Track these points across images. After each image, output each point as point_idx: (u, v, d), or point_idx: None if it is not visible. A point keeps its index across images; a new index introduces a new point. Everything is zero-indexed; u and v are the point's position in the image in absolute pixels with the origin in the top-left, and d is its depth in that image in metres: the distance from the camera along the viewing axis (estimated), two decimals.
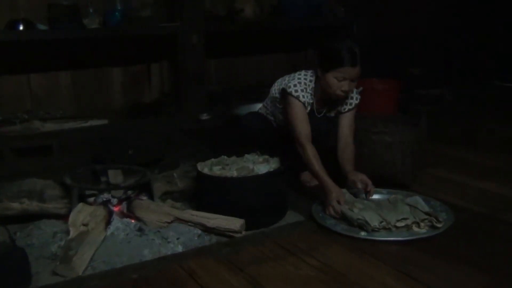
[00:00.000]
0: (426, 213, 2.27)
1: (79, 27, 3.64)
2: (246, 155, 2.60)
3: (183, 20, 3.93)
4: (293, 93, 2.54)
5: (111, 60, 4.10)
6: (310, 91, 2.59)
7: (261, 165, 2.48)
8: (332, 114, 2.72)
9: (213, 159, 2.56)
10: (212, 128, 3.79)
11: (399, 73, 4.59)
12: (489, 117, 4.30)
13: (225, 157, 2.59)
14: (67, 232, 2.11)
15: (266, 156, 2.57)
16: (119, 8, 3.80)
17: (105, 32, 3.79)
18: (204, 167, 2.48)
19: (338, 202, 2.35)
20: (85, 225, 2.11)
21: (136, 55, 4.20)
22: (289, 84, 2.56)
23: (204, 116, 3.97)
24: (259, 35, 4.56)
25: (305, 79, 2.59)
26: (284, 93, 2.60)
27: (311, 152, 2.49)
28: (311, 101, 2.60)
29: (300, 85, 2.56)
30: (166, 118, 3.97)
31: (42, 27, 3.59)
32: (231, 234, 2.20)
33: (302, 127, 2.52)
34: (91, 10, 3.76)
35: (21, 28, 3.48)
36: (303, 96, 2.54)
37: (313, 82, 2.60)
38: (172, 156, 3.19)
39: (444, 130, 3.86)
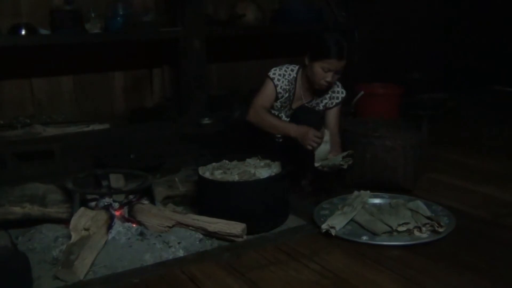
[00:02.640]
0: (428, 218, 2.27)
1: (81, 32, 3.66)
2: (248, 160, 2.61)
3: (184, 25, 3.94)
4: (271, 75, 2.72)
5: (113, 65, 4.11)
6: (288, 78, 2.73)
7: (262, 170, 2.49)
8: (321, 107, 2.81)
9: (214, 164, 2.56)
10: (213, 133, 3.79)
11: (400, 77, 4.60)
12: (491, 121, 4.30)
13: (227, 161, 2.59)
14: (69, 237, 2.11)
15: (268, 161, 2.58)
16: (120, 13, 3.81)
17: (107, 37, 3.80)
18: (206, 172, 2.48)
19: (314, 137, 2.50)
20: (86, 229, 2.11)
21: (137, 60, 4.21)
22: (271, 69, 2.75)
23: (206, 121, 3.97)
24: (261, 39, 4.56)
25: (287, 68, 2.76)
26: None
27: (268, 113, 2.65)
28: (287, 87, 2.73)
29: (280, 70, 2.74)
30: (168, 123, 3.97)
31: (44, 31, 3.60)
32: (232, 238, 2.19)
33: (263, 100, 2.69)
34: (93, 15, 3.77)
35: (23, 33, 3.49)
36: (278, 80, 2.71)
37: (294, 72, 2.76)
38: (173, 161, 3.19)
39: (445, 135, 3.86)
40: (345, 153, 2.55)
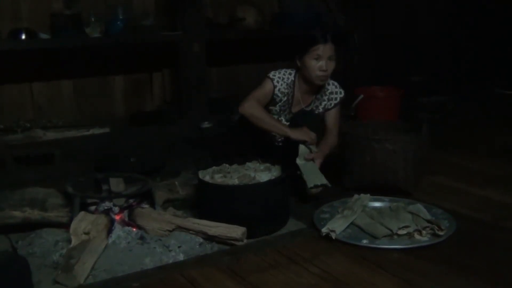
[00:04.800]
0: (428, 221, 2.27)
1: (81, 36, 3.66)
2: (248, 163, 2.61)
3: (184, 29, 3.94)
4: (271, 76, 2.74)
5: (113, 69, 4.12)
6: (287, 82, 2.75)
7: (262, 173, 2.48)
8: (320, 110, 2.82)
9: (214, 167, 2.56)
10: (213, 136, 3.79)
11: (400, 80, 4.60)
12: (491, 124, 4.30)
13: (227, 165, 2.59)
14: (69, 241, 2.11)
15: (268, 164, 2.58)
16: (121, 17, 3.81)
17: (107, 41, 3.80)
18: (206, 175, 2.48)
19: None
20: (86, 233, 2.11)
21: (137, 64, 4.22)
22: (270, 71, 2.77)
23: (206, 124, 3.97)
24: (261, 43, 4.57)
25: (285, 72, 2.78)
26: None
27: (263, 110, 2.65)
28: (285, 91, 2.74)
29: (279, 73, 2.76)
30: (168, 126, 3.98)
31: (44, 36, 3.61)
32: (232, 242, 2.19)
33: (260, 96, 2.70)
34: (93, 19, 3.77)
35: (23, 37, 3.50)
36: (277, 82, 2.72)
37: (292, 75, 2.77)
38: (173, 164, 3.19)
39: (445, 138, 3.85)
40: (319, 184, 2.50)
